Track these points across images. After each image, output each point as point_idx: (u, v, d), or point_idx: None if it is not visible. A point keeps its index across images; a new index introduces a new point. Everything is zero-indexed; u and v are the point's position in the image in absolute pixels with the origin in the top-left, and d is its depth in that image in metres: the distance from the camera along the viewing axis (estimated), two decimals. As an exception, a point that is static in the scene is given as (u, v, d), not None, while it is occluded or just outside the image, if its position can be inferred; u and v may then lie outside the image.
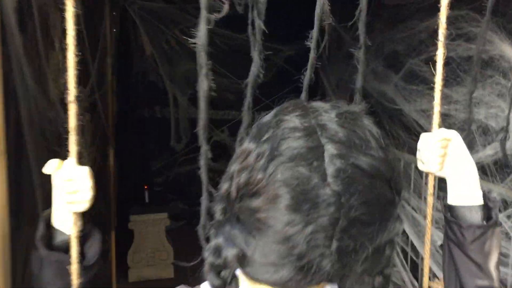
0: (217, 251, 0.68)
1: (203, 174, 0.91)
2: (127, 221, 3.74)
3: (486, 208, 0.91)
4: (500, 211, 1.93)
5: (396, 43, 2.77)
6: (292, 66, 4.04)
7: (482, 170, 2.00)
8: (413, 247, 2.66)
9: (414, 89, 2.48)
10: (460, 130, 2.08)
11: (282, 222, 0.59)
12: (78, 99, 0.75)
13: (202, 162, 0.89)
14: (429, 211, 0.97)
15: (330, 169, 0.59)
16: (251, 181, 0.62)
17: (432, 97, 1.47)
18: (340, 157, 0.60)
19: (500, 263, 0.92)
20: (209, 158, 0.90)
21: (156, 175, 4.66)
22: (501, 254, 0.92)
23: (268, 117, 0.67)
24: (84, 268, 0.82)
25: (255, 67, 0.95)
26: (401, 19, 2.71)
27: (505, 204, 1.93)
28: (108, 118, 2.81)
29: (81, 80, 0.81)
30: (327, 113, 0.64)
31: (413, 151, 2.70)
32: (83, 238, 0.83)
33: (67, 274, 0.81)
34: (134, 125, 4.49)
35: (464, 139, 0.95)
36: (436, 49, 0.98)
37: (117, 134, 3.45)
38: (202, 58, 1.27)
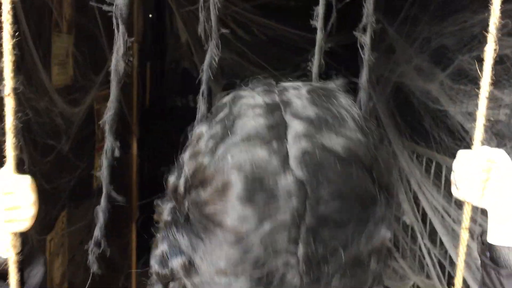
0: (163, 259, 0.55)
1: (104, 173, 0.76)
2: (153, 212, 3.67)
3: None
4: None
5: (445, 37, 2.53)
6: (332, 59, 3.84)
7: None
8: (452, 262, 2.45)
9: (462, 89, 2.24)
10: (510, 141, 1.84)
11: (232, 218, 0.47)
12: (16, 90, 0.60)
13: (104, 161, 0.74)
14: (461, 248, 0.77)
15: (293, 151, 0.47)
16: (198, 168, 0.51)
17: (471, 95, 1.22)
18: (306, 136, 0.48)
19: None
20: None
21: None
22: None
23: (227, 96, 0.55)
24: None
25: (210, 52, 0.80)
26: (452, 11, 2.47)
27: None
28: (132, 106, 2.71)
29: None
30: (296, 90, 0.52)
31: (455, 156, 2.49)
32: (24, 262, 0.69)
33: None
34: (166, 113, 4.41)
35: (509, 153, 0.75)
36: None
37: (148, 123, 3.37)
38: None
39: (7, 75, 0.59)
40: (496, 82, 1.51)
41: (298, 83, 0.54)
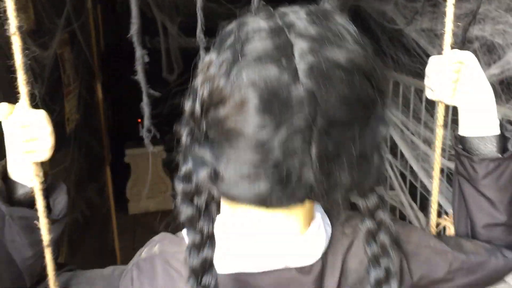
0: (187, 176, 0.61)
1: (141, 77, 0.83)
2: (123, 155, 3.71)
3: (502, 139, 0.81)
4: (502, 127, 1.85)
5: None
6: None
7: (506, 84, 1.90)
8: (412, 171, 2.63)
9: (415, 7, 2.32)
10: (463, 49, 1.96)
11: (252, 126, 0.54)
12: (21, 29, 0.64)
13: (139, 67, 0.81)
14: (437, 143, 0.88)
15: (301, 66, 0.53)
16: (214, 90, 0.56)
17: (435, 14, 1.32)
18: (312, 51, 0.54)
19: None
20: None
21: (150, 108, 4.56)
22: None
23: (230, 25, 0.61)
24: (52, 223, 0.74)
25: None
26: None
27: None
28: (92, 50, 2.67)
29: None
30: (295, 13, 0.58)
31: (411, 73, 2.60)
32: (47, 191, 0.74)
33: (34, 230, 0.73)
34: (122, 57, 4.32)
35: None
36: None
37: (105, 68, 3.31)
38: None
39: (11, 15, 0.63)
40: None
41: (295, 7, 0.60)
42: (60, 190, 0.76)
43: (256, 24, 0.58)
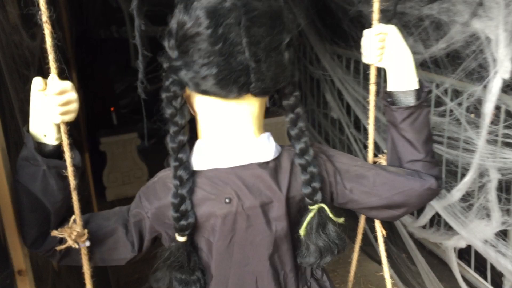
0: (168, 88, 0.95)
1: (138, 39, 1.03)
2: (98, 143, 3.79)
3: (420, 92, 1.03)
4: (452, 100, 2.08)
5: None
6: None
7: (436, 63, 2.12)
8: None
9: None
10: (415, 26, 2.17)
11: (204, 28, 0.87)
12: (51, 18, 0.78)
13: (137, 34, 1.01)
14: (371, 97, 1.08)
15: (225, 3, 0.88)
16: (180, 21, 0.91)
17: None
18: None
19: (431, 139, 1.06)
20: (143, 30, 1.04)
21: (121, 97, 4.64)
22: (430, 132, 1.06)
23: None
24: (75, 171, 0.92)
25: None
26: None
27: (457, 93, 2.08)
28: (66, 39, 2.75)
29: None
30: None
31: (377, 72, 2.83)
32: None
33: (63, 178, 0.91)
34: (91, 47, 4.37)
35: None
36: None
37: (75, 58, 3.38)
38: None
39: (42, 6, 0.77)
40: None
41: None
42: (74, 148, 0.93)
43: None
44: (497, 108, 1.84)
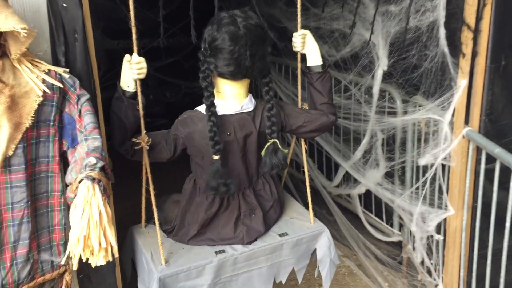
0: (204, 71, 1.85)
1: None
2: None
3: (324, 65, 1.97)
4: (354, 87, 2.95)
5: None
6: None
7: (344, 62, 2.99)
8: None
9: (294, 11, 3.34)
10: (329, 37, 3.01)
11: (227, 46, 1.77)
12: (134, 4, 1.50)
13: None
14: (299, 71, 1.96)
15: (241, 26, 1.76)
16: (212, 35, 1.80)
17: (306, 16, 2.44)
18: (243, 21, 1.77)
19: (331, 91, 2.00)
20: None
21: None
22: (331, 88, 2.01)
23: (214, 17, 1.79)
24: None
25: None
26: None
27: (356, 84, 2.94)
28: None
29: None
30: (237, 11, 1.81)
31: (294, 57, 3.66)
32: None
33: (136, 110, 1.69)
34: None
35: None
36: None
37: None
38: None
39: (132, 13, 1.49)
40: (314, 4, 2.70)
41: (235, 10, 1.73)
42: (141, 94, 1.69)
43: (223, 15, 1.74)
44: (380, 90, 2.72)
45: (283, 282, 2.15)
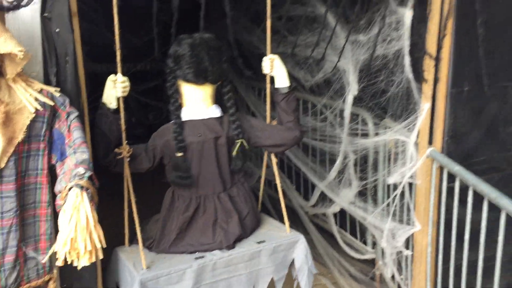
0: (169, 80, 2.13)
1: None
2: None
3: (290, 87, 2.15)
4: (326, 107, 3.11)
5: (258, 4, 3.78)
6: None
7: (318, 86, 3.16)
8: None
9: (273, 39, 3.52)
10: (304, 63, 3.19)
11: (187, 52, 2.03)
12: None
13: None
14: (268, 91, 2.15)
15: (197, 38, 2.07)
16: (175, 51, 2.09)
17: (283, 42, 2.62)
18: (199, 35, 2.10)
19: (297, 110, 2.18)
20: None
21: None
22: (297, 107, 2.18)
23: (177, 39, 2.02)
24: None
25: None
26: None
27: (329, 108, 3.11)
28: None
29: None
30: (196, 34, 2.10)
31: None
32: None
33: (118, 124, 1.85)
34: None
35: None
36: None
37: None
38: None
39: (117, 37, 1.62)
40: (292, 31, 2.87)
41: (196, 34, 2.00)
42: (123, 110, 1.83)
43: (183, 35, 1.97)
44: (353, 113, 2.89)
45: (263, 292, 2.24)
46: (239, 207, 2.23)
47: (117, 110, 1.90)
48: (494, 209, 1.96)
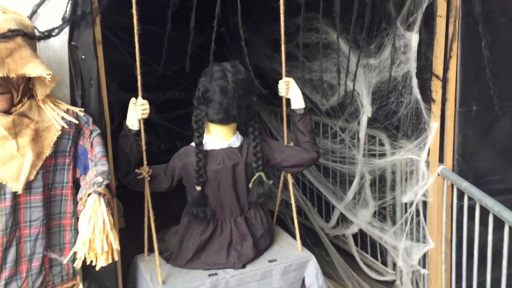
0: (196, 115, 2.17)
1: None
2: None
3: (306, 108, 2.22)
4: (343, 132, 3.20)
5: (277, 33, 3.94)
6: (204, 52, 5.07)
7: (333, 110, 3.26)
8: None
9: (292, 65, 3.67)
10: (319, 87, 3.31)
11: (217, 98, 2.08)
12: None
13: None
14: (284, 113, 2.23)
15: (230, 80, 2.07)
16: (205, 86, 2.12)
17: (302, 68, 2.75)
18: (232, 76, 2.09)
19: (313, 131, 2.25)
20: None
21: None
22: (313, 128, 2.26)
23: (207, 69, 2.09)
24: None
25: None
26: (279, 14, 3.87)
27: (343, 130, 3.20)
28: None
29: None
30: (228, 65, 2.14)
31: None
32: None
33: (138, 145, 1.97)
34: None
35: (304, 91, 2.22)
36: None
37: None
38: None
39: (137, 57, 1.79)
40: (310, 57, 3.00)
41: (227, 64, 2.07)
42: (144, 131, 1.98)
43: (215, 68, 2.05)
44: (366, 134, 2.97)
45: (277, 312, 2.30)
46: (255, 228, 2.32)
47: (138, 132, 2.00)
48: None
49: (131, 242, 2.49)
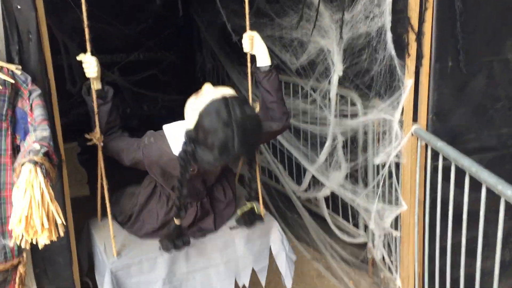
0: (187, 153, 1.77)
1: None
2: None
3: (271, 65, 2.03)
4: (314, 92, 3.05)
5: None
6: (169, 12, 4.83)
7: (303, 69, 3.10)
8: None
9: (261, 22, 3.48)
10: (289, 46, 3.14)
11: (218, 155, 1.73)
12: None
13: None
14: (249, 70, 2.03)
15: (236, 141, 1.70)
16: (205, 132, 1.72)
17: (271, 26, 2.53)
18: (239, 131, 1.70)
19: (280, 90, 2.07)
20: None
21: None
22: (280, 87, 2.08)
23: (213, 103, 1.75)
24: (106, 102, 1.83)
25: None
26: None
27: (315, 90, 3.06)
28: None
29: None
30: (236, 106, 1.72)
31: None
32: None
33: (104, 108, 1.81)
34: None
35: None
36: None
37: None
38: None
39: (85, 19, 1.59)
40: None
41: (235, 100, 1.74)
42: (109, 88, 1.81)
43: (223, 115, 1.71)
44: (337, 94, 2.83)
45: (246, 285, 2.18)
46: (218, 202, 2.21)
47: (100, 93, 1.84)
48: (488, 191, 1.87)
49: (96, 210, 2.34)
